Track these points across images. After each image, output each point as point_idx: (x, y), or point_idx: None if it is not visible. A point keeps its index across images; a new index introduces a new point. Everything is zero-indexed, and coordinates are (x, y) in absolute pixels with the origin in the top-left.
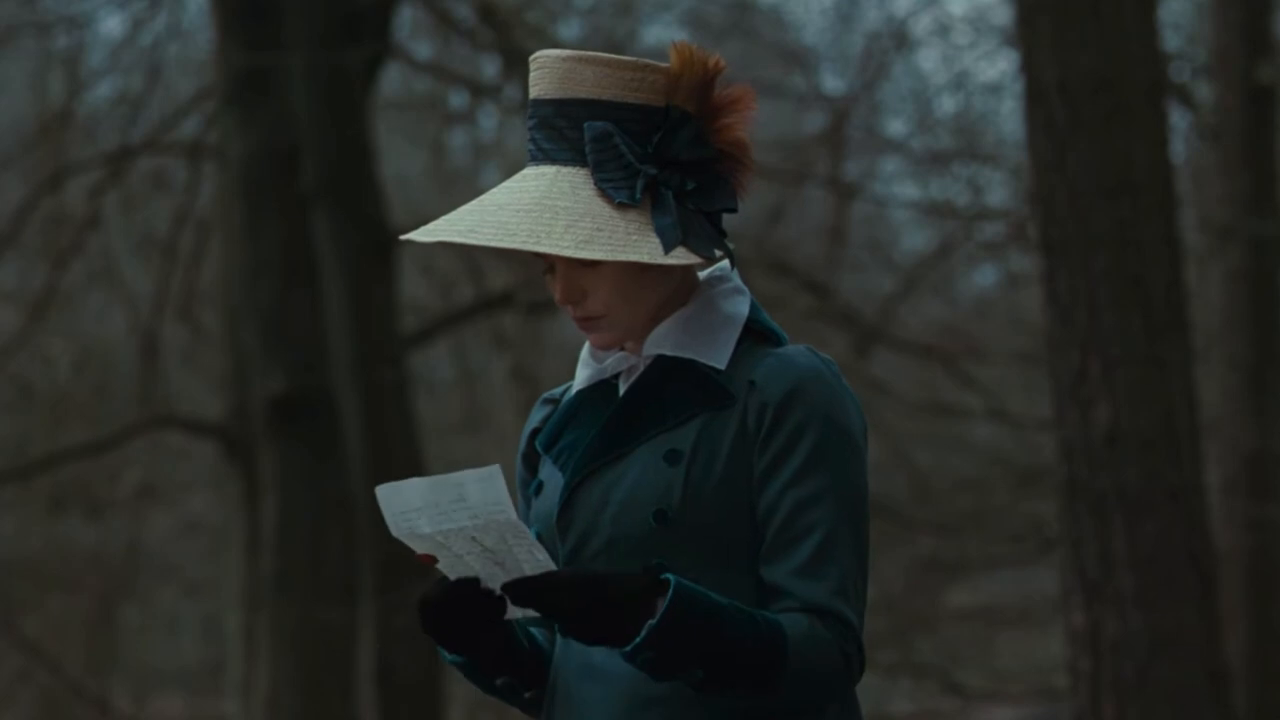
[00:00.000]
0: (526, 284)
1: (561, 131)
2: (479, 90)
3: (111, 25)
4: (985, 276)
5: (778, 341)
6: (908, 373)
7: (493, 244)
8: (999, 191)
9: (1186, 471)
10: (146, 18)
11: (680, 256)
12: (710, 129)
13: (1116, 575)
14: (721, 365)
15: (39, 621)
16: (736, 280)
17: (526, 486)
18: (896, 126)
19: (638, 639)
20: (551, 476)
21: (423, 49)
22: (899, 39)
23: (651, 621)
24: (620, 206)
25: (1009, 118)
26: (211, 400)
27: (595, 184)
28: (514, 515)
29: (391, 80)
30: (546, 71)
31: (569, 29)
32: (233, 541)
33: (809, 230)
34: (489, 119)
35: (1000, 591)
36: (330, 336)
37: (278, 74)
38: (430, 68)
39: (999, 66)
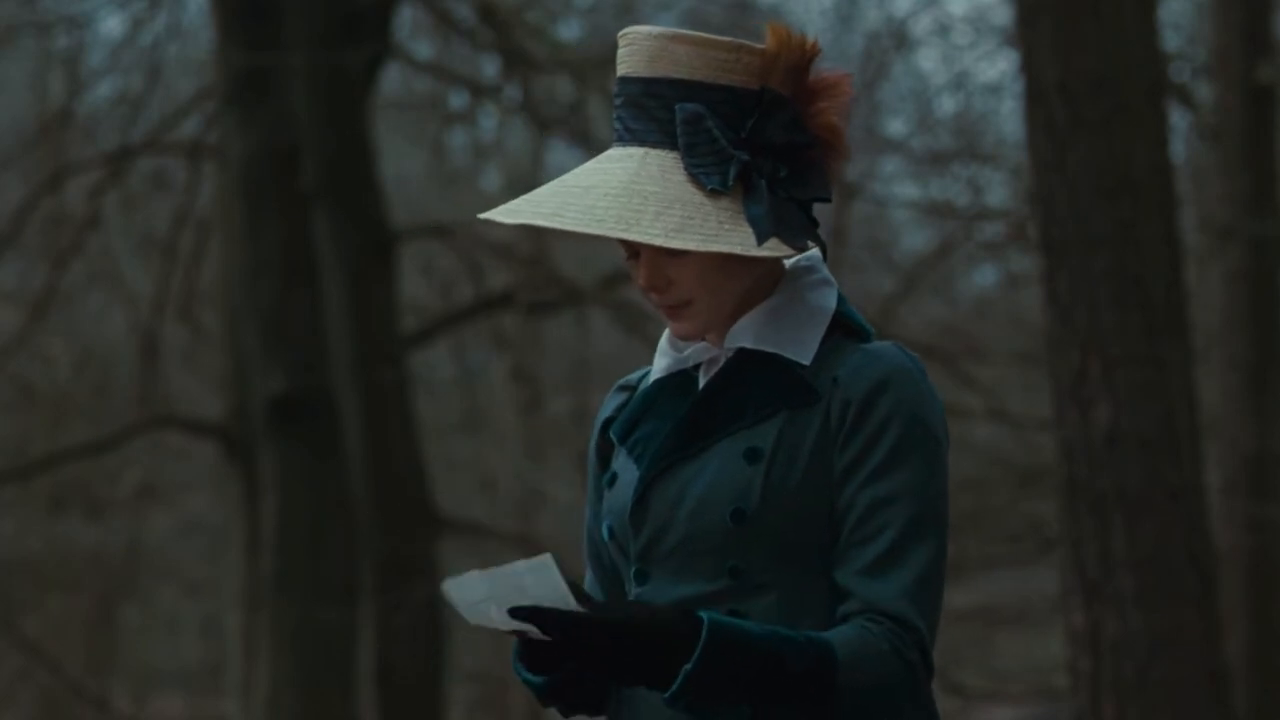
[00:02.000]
0: (526, 284)
1: (650, 112)
2: (479, 90)
3: (111, 25)
4: (985, 276)
5: (865, 336)
6: None
7: (579, 229)
8: (999, 191)
9: (1186, 471)
10: (146, 18)
11: (773, 248)
12: (805, 113)
13: (1116, 575)
14: (806, 361)
15: (39, 621)
16: (824, 271)
17: (599, 479)
18: (896, 126)
19: (675, 685)
20: (626, 469)
21: (423, 49)
22: (899, 39)
23: (687, 666)
24: (711, 193)
25: (1009, 118)
26: (211, 400)
27: (685, 168)
28: (573, 602)
29: (391, 80)
30: (636, 49)
31: (569, 29)
32: (233, 541)
33: None
34: (489, 119)
35: (1000, 591)
36: (330, 336)
37: (278, 74)
38: (430, 68)
39: (999, 66)
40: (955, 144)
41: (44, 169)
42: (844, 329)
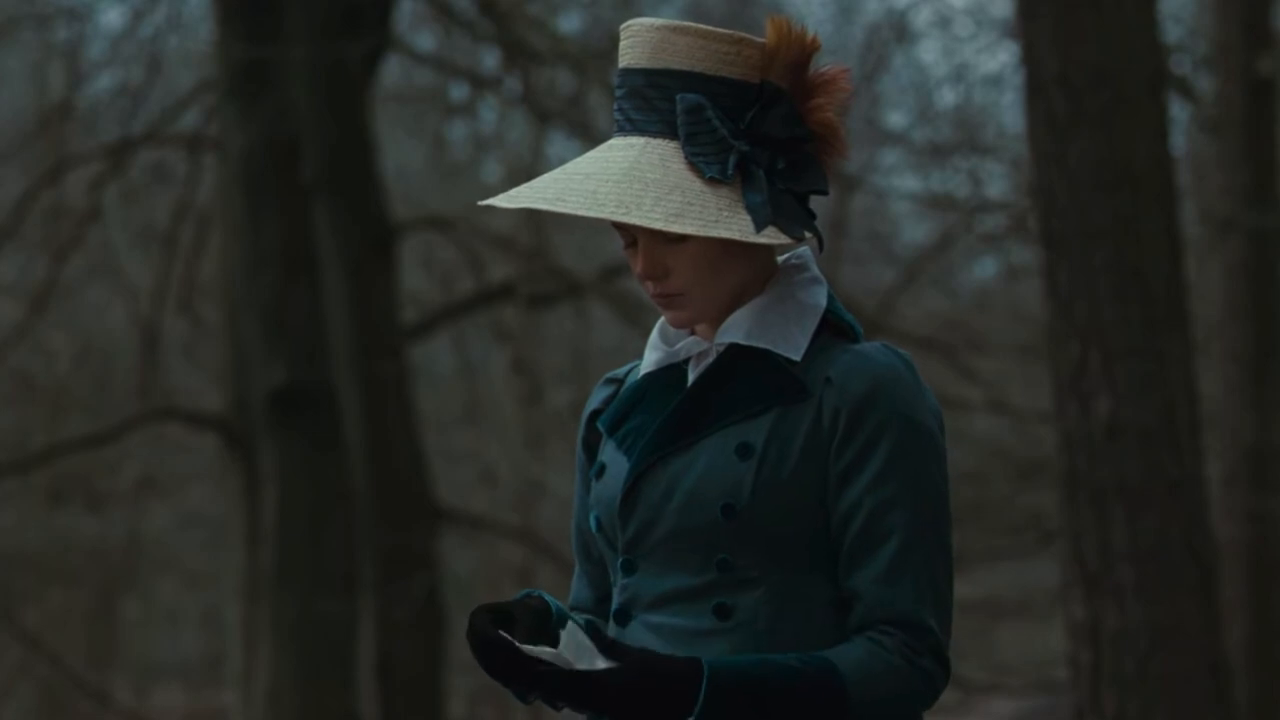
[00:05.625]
0: (526, 276)
1: (652, 102)
2: (479, 82)
3: (112, 17)
4: (985, 269)
5: (854, 336)
6: None
7: (580, 213)
8: (999, 184)
9: (1187, 464)
10: (147, 10)
11: (771, 235)
12: (803, 108)
13: (1117, 568)
14: (797, 357)
15: (39, 614)
16: (815, 269)
17: (587, 471)
18: (897, 119)
19: None
20: (615, 460)
21: (423, 40)
22: (899, 31)
23: (690, 718)
24: (711, 182)
25: (1009, 110)
26: (212, 393)
27: (686, 157)
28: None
29: (392, 72)
30: (638, 40)
31: (569, 21)
32: (233, 534)
33: None
34: (489, 111)
35: (1000, 584)
36: (330, 329)
37: (278, 66)
38: (430, 59)
39: (999, 59)
40: (955, 136)
41: (44, 161)
42: (833, 328)
